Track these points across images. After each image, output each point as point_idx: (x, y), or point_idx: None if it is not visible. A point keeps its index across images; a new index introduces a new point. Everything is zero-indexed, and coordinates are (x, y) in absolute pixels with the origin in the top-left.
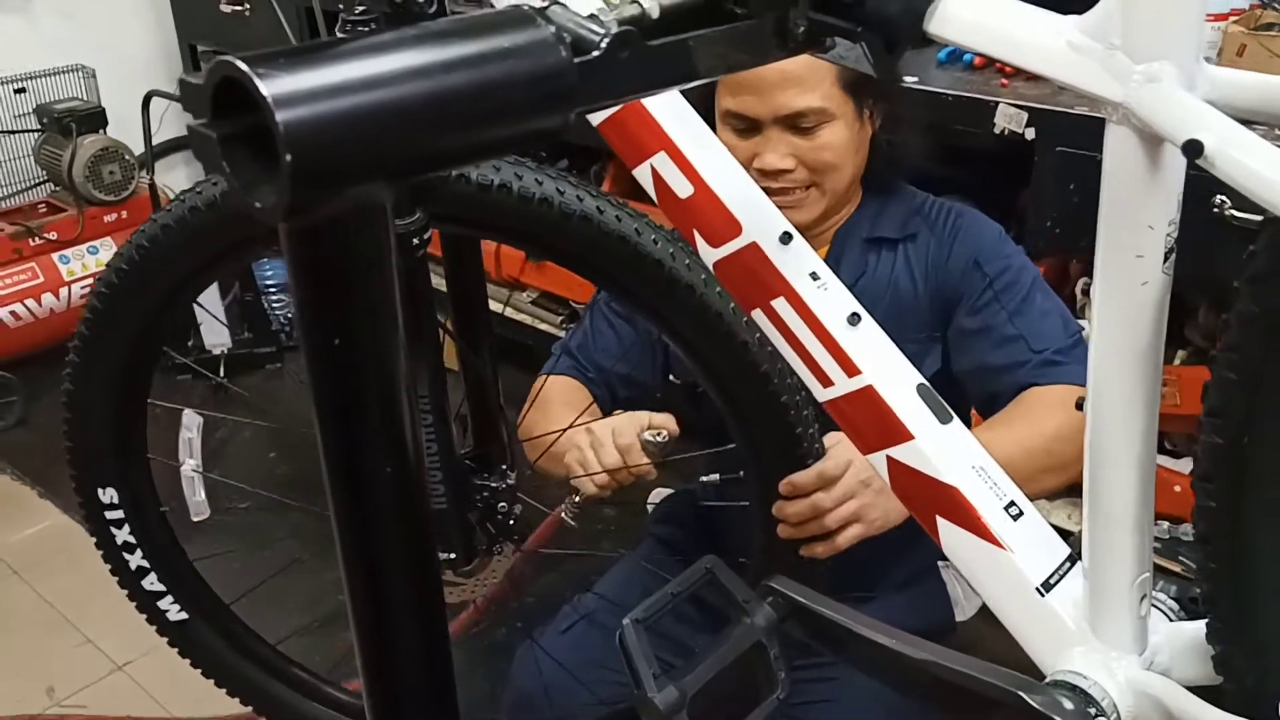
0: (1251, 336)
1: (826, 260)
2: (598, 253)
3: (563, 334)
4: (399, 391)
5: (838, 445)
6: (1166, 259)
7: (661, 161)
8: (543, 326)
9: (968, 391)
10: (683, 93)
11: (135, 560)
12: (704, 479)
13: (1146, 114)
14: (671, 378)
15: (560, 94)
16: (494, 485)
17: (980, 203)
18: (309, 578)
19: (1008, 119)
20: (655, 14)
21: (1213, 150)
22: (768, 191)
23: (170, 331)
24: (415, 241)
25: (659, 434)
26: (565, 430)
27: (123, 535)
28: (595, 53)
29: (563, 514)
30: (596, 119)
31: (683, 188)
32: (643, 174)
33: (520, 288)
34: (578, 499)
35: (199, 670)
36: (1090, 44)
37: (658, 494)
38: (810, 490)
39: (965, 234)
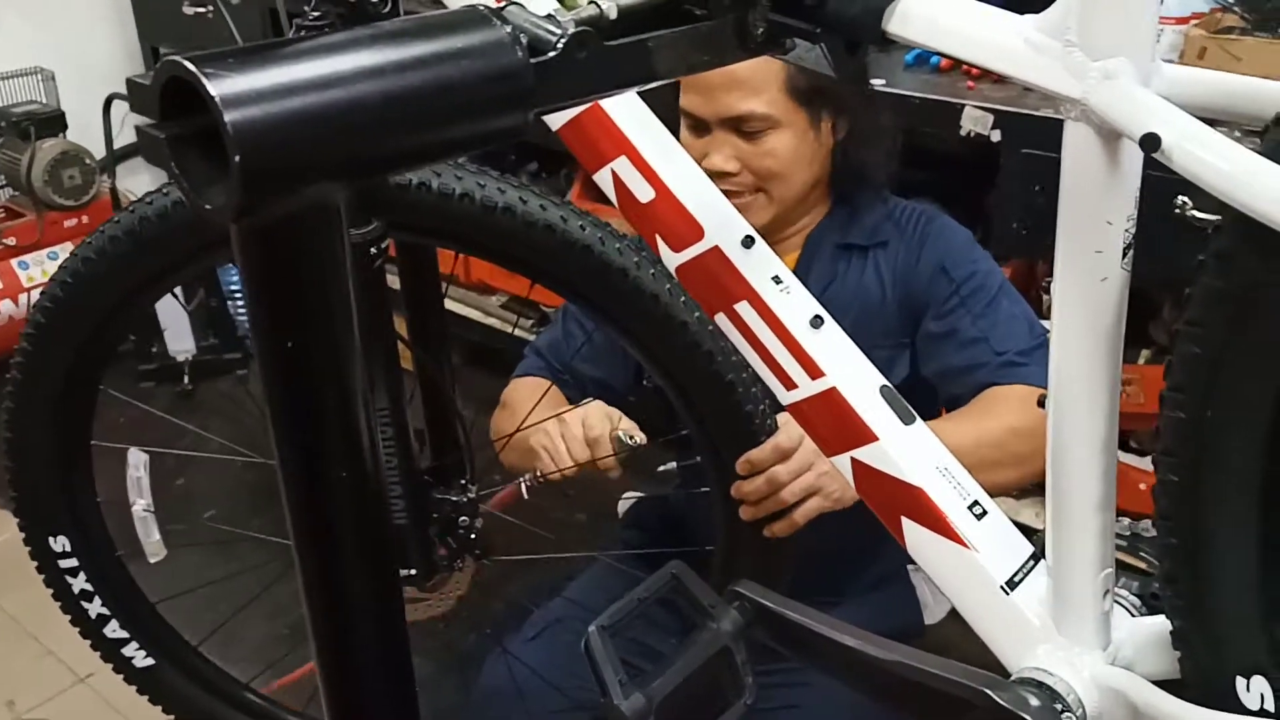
0: (1215, 311)
1: (796, 267)
2: (521, 244)
3: (533, 338)
4: (355, 393)
5: (791, 421)
6: (1125, 254)
7: (622, 166)
8: (515, 331)
9: (937, 395)
10: (649, 95)
11: (95, 608)
12: (661, 468)
13: (1104, 110)
14: (645, 382)
15: (517, 94)
16: (454, 499)
17: (947, 205)
18: (276, 587)
19: (973, 121)
20: (613, 14)
21: (1170, 144)
22: None
23: (110, 364)
24: (372, 251)
25: (631, 436)
26: (535, 421)
27: (79, 584)
28: (552, 53)
29: (521, 487)
30: (556, 124)
31: (644, 192)
32: (603, 179)
33: (489, 292)
34: (539, 475)
35: (172, 717)
36: (1048, 42)
37: (627, 498)
38: (767, 466)
39: (933, 240)
